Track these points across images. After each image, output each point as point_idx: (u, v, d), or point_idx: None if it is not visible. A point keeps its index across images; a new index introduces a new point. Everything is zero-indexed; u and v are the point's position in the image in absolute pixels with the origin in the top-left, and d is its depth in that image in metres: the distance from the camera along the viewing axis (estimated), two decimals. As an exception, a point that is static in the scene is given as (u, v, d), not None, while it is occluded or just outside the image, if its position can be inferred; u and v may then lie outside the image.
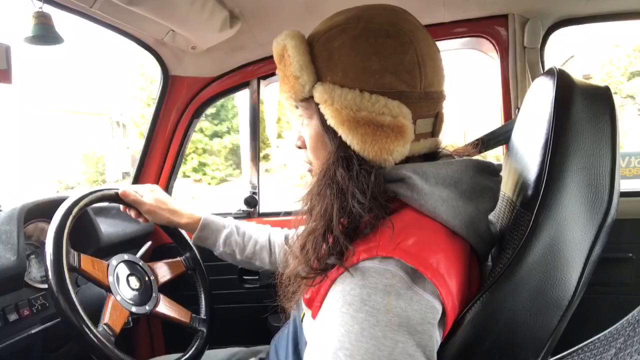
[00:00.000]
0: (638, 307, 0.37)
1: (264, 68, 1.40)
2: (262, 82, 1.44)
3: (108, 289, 0.82)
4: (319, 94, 0.55)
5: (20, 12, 0.94)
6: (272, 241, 0.99)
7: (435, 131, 0.60)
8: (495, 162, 0.62)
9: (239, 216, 1.47)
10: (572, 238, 0.51)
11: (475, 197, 0.55)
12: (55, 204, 0.85)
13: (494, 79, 1.31)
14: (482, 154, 0.86)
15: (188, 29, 1.12)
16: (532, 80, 1.17)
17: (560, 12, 1.23)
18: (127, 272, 0.88)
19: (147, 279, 0.92)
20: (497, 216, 0.68)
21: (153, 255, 1.30)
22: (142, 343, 1.47)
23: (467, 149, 0.68)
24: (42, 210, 1.01)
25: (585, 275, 0.52)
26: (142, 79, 13.97)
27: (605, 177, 0.52)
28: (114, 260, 0.88)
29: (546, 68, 1.10)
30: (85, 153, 13.66)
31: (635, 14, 1.24)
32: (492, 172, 0.60)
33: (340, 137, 0.54)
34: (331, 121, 0.54)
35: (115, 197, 0.93)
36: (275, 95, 1.56)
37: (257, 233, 1.00)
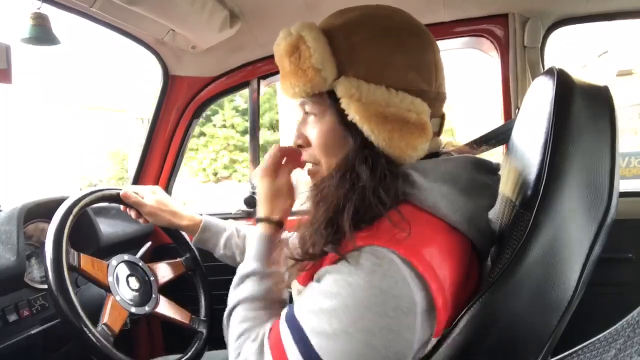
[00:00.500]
0: (638, 308, 0.37)
1: (264, 68, 1.40)
2: (262, 82, 1.44)
3: (107, 289, 0.82)
4: (344, 87, 0.53)
5: (21, 12, 0.94)
6: None
7: (439, 131, 0.61)
8: (493, 161, 0.62)
9: (239, 216, 1.46)
10: (572, 238, 0.51)
11: (474, 194, 0.55)
12: (55, 204, 0.84)
13: (494, 79, 1.31)
14: (481, 154, 0.86)
15: (188, 29, 1.12)
16: (532, 79, 1.17)
17: (561, 11, 1.23)
18: (127, 272, 0.88)
19: (147, 279, 0.92)
20: (496, 216, 0.68)
21: (153, 255, 1.30)
22: (142, 344, 1.47)
23: (466, 147, 0.68)
24: (42, 211, 1.01)
25: (585, 275, 0.52)
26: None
27: (604, 177, 0.52)
28: (113, 261, 0.88)
29: (546, 67, 1.10)
30: (111, 150, 13.59)
31: (635, 13, 1.23)
32: (491, 170, 0.60)
33: (362, 133, 0.53)
34: (355, 117, 0.53)
35: (116, 198, 0.92)
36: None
37: None
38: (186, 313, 0.95)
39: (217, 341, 1.03)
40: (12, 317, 0.89)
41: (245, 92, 1.45)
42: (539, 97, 0.60)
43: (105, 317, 0.78)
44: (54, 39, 0.96)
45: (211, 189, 11.48)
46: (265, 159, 0.71)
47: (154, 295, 0.90)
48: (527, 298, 0.51)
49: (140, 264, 0.93)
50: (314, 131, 0.60)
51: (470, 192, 0.55)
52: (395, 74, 0.54)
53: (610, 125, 0.53)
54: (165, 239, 1.30)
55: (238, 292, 0.64)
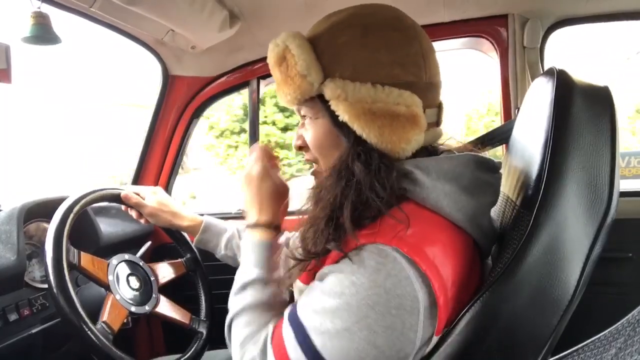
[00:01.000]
0: (638, 307, 0.37)
1: (263, 68, 1.40)
2: (262, 82, 1.44)
3: (107, 288, 0.82)
4: (330, 90, 0.54)
5: (21, 12, 0.93)
6: None
7: (438, 121, 0.62)
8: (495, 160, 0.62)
9: (240, 216, 1.46)
10: (572, 237, 0.52)
11: (476, 192, 0.55)
12: (55, 203, 0.84)
13: (494, 79, 1.31)
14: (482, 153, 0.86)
15: (188, 29, 1.12)
16: (532, 80, 1.17)
17: (560, 12, 1.23)
18: (128, 271, 0.88)
19: (147, 279, 0.92)
20: (497, 216, 0.68)
21: (153, 255, 1.30)
22: (142, 343, 1.47)
23: (467, 146, 0.68)
24: (42, 210, 1.01)
25: (585, 274, 0.52)
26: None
27: (604, 176, 0.52)
28: (114, 260, 0.88)
29: (546, 68, 1.10)
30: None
31: (635, 14, 1.24)
32: (492, 168, 0.60)
33: (354, 132, 0.54)
34: (344, 116, 0.54)
35: (117, 197, 0.93)
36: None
37: None
38: (186, 313, 0.95)
39: (217, 341, 1.03)
40: (13, 317, 0.89)
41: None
42: (539, 97, 0.61)
43: (105, 316, 0.78)
44: (55, 38, 0.95)
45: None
46: (253, 163, 0.72)
47: (154, 295, 0.90)
48: (528, 297, 0.51)
49: (140, 263, 0.93)
50: (310, 133, 0.61)
51: (473, 190, 0.55)
52: (380, 70, 0.54)
53: (610, 125, 0.53)
54: (165, 238, 1.30)
55: (240, 299, 0.63)
